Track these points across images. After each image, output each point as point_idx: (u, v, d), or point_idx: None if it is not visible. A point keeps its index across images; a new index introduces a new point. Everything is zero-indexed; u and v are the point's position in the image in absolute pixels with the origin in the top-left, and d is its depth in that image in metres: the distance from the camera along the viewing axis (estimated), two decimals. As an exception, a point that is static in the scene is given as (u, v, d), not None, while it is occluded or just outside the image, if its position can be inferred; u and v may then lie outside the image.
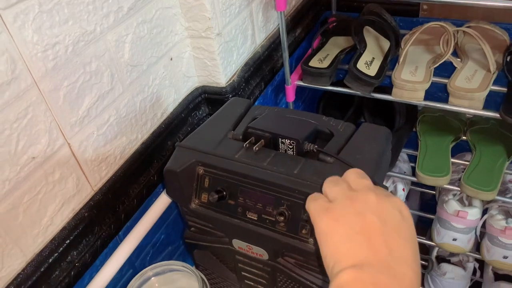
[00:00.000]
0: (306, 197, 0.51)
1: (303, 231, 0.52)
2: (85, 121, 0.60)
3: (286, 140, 0.56)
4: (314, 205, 0.44)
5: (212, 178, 0.58)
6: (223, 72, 0.78)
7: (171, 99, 0.75)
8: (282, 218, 0.52)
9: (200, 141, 0.61)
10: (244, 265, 0.61)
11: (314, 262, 0.55)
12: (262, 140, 0.57)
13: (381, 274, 0.36)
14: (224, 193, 0.56)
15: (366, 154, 0.55)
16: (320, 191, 0.47)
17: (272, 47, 0.93)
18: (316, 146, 0.55)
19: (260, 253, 0.58)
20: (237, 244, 0.59)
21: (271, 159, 0.56)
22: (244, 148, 0.57)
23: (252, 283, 0.63)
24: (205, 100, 0.82)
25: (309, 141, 0.57)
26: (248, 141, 0.58)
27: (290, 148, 0.56)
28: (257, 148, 0.56)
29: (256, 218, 0.55)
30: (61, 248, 0.59)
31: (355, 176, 0.45)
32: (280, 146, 0.57)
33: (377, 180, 0.52)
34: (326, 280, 0.56)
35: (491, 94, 0.82)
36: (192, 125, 0.80)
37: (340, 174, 0.52)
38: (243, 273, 0.62)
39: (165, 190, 0.73)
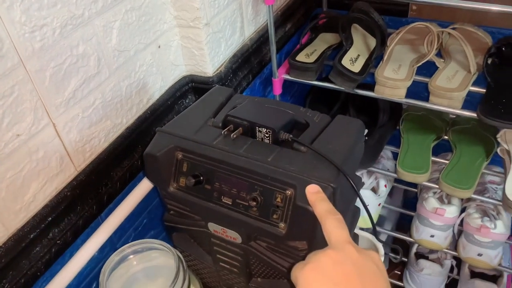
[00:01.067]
0: (278, 183, 0.53)
1: (274, 216, 0.54)
2: (70, 103, 0.61)
3: (263, 129, 0.58)
4: (294, 267, 0.46)
5: (190, 163, 0.59)
6: (210, 62, 0.80)
7: (158, 86, 0.77)
8: (254, 203, 0.54)
9: (181, 127, 0.63)
10: (219, 248, 0.63)
11: (284, 246, 0.57)
12: (240, 128, 0.59)
13: None
14: (201, 177, 0.58)
15: (337, 144, 0.57)
16: (292, 178, 0.50)
17: (261, 40, 0.95)
18: (291, 136, 0.57)
19: (234, 236, 0.60)
20: (213, 227, 0.61)
21: (248, 146, 0.57)
22: (222, 135, 0.59)
23: (227, 266, 0.65)
24: (192, 89, 0.84)
25: (285, 130, 0.58)
26: (227, 128, 0.59)
27: (267, 137, 0.58)
28: (234, 136, 0.58)
29: (230, 203, 0.57)
30: (42, 225, 0.60)
31: (334, 226, 0.47)
32: (257, 134, 0.59)
33: (348, 169, 0.54)
34: (292, 262, 0.58)
35: (472, 95, 0.85)
36: (178, 113, 0.80)
37: (312, 162, 0.54)
38: (218, 255, 0.64)
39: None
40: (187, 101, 0.84)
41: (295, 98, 1.20)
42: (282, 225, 0.54)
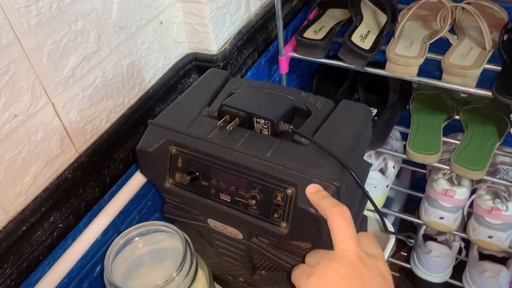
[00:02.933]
0: (278, 182, 0.50)
1: (275, 215, 0.51)
2: (70, 82, 0.59)
3: (261, 120, 0.54)
4: (296, 272, 0.45)
5: (185, 158, 0.56)
6: (214, 39, 0.77)
7: (160, 64, 0.74)
8: (254, 201, 0.51)
9: (173, 119, 0.59)
10: (220, 242, 0.61)
11: (287, 244, 0.54)
12: (237, 119, 0.55)
13: None
14: (197, 174, 0.55)
15: (342, 135, 0.53)
16: (292, 176, 0.48)
17: (267, 16, 0.91)
18: (291, 127, 0.53)
19: (234, 233, 0.57)
20: (212, 223, 0.58)
21: (245, 139, 0.54)
22: (217, 127, 0.56)
23: (230, 259, 0.63)
24: (195, 68, 0.81)
25: (285, 120, 0.55)
26: (222, 120, 0.56)
27: (265, 128, 0.55)
28: (231, 128, 0.54)
29: (229, 200, 0.54)
30: (43, 208, 0.59)
31: (339, 223, 0.45)
32: (255, 125, 0.55)
33: (354, 162, 0.51)
34: (296, 259, 0.56)
35: (486, 73, 0.82)
36: (181, 92, 0.79)
37: (314, 156, 0.51)
38: (220, 249, 0.62)
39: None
40: (190, 80, 0.81)
41: (302, 77, 1.17)
42: (283, 224, 0.51)
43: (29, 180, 0.57)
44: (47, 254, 0.61)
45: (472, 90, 0.79)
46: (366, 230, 0.71)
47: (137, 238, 0.60)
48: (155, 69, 0.74)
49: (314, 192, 0.48)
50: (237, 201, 0.53)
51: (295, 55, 0.93)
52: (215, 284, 0.76)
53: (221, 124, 0.55)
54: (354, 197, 0.59)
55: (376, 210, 0.54)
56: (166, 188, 0.59)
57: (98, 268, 0.72)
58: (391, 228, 0.63)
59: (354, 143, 0.53)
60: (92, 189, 0.65)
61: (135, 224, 0.77)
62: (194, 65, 0.81)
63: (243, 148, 0.53)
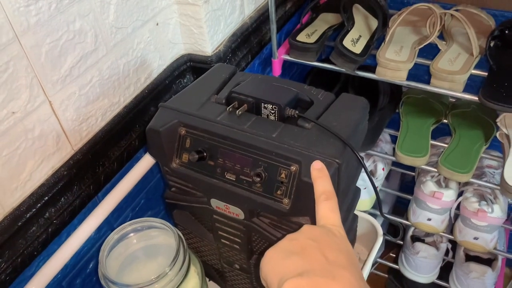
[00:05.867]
0: (283, 159, 0.53)
1: (278, 192, 0.54)
2: (67, 80, 0.60)
3: (269, 105, 0.57)
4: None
5: (193, 139, 0.59)
6: (209, 41, 0.78)
7: (156, 64, 0.76)
8: (258, 179, 0.54)
9: (184, 103, 0.62)
10: (220, 224, 0.63)
11: (287, 223, 0.56)
12: (245, 105, 0.58)
13: (320, 278, 0.39)
14: (205, 153, 0.58)
15: (342, 121, 0.56)
16: (296, 154, 0.50)
17: (261, 19, 0.93)
18: (297, 112, 0.56)
19: (236, 212, 0.59)
20: (215, 203, 0.61)
21: (252, 122, 0.57)
22: (226, 111, 0.59)
23: (228, 242, 0.65)
24: (190, 68, 0.82)
25: (290, 107, 0.58)
26: (231, 105, 0.59)
27: (272, 113, 0.58)
28: (240, 112, 0.57)
29: (234, 179, 0.57)
30: (39, 204, 0.60)
31: (327, 208, 0.48)
32: (262, 111, 0.58)
33: (354, 144, 0.54)
34: None
35: (473, 78, 0.84)
36: (176, 93, 0.80)
37: (317, 138, 0.54)
38: (219, 232, 0.64)
39: (147, 152, 0.74)
40: (185, 80, 0.83)
41: (294, 79, 1.19)
42: (286, 200, 0.54)
43: (26, 176, 0.58)
44: (42, 250, 0.61)
45: (459, 94, 0.82)
46: (356, 229, 0.73)
47: (131, 234, 0.62)
48: (150, 69, 0.75)
49: (318, 169, 0.50)
50: (242, 179, 0.56)
51: (288, 57, 0.95)
52: (207, 280, 0.78)
53: (230, 109, 0.58)
54: (351, 183, 0.61)
55: (374, 188, 0.57)
56: (172, 168, 0.61)
57: (91, 265, 0.72)
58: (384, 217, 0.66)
59: (354, 129, 0.56)
60: (87, 186, 0.66)
61: (128, 221, 0.79)
62: (189, 66, 0.82)
63: (250, 129, 0.56)
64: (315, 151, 0.52)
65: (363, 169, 0.56)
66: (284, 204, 0.54)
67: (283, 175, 0.53)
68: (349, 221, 0.67)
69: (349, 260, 0.42)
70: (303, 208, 0.53)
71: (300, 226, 0.55)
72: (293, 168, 0.53)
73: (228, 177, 0.57)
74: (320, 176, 0.50)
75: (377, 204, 1.23)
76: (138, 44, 0.70)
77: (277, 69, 0.97)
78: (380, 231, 0.76)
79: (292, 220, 0.55)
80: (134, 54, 0.70)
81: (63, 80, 0.59)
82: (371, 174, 1.11)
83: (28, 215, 0.59)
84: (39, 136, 0.58)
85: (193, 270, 0.62)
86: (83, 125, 0.65)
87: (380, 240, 0.75)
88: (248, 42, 0.91)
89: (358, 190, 0.67)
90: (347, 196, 0.61)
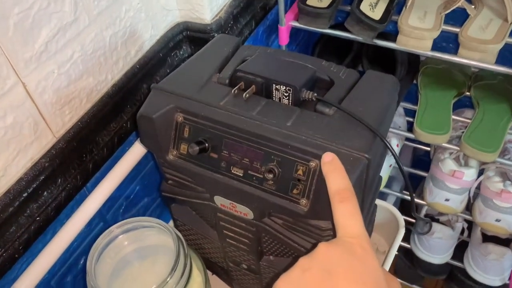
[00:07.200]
0: (300, 153, 0.45)
1: (294, 191, 0.46)
2: (43, 57, 0.51)
3: (281, 86, 0.49)
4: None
5: (192, 127, 0.51)
6: (208, 6, 0.69)
7: (148, 35, 0.66)
8: (271, 175, 0.46)
9: (180, 84, 0.53)
10: (226, 223, 0.56)
11: (303, 225, 0.49)
12: (253, 86, 0.50)
13: None
14: (206, 145, 0.50)
15: (370, 105, 0.48)
16: (316, 146, 0.43)
17: (265, -19, 0.83)
18: (315, 95, 0.48)
19: (244, 212, 0.52)
20: (220, 201, 0.53)
21: (262, 108, 0.48)
22: (231, 94, 0.50)
23: (235, 242, 0.58)
24: (187, 39, 0.73)
25: (307, 88, 0.49)
26: (237, 86, 0.50)
27: (286, 96, 0.49)
28: (247, 95, 0.49)
29: (241, 175, 0.49)
30: (17, 202, 0.53)
31: (343, 214, 0.40)
32: (273, 93, 0.50)
33: (384, 134, 0.46)
34: (312, 242, 0.51)
35: (506, 47, 0.75)
36: (172, 67, 0.71)
37: (341, 126, 0.46)
38: (225, 231, 0.57)
39: (139, 138, 0.66)
40: (181, 52, 0.74)
41: (301, 49, 1.09)
42: (303, 201, 0.46)
43: (-1, 171, 0.50)
44: (24, 251, 0.55)
45: (492, 66, 0.73)
46: (374, 220, 0.66)
47: (121, 236, 0.54)
48: (141, 40, 0.66)
49: (327, 162, 0.43)
50: (251, 176, 0.48)
51: (297, 24, 0.85)
52: (209, 274, 0.71)
53: (236, 91, 0.50)
54: (376, 176, 0.54)
55: (406, 181, 0.51)
56: (169, 160, 0.53)
57: (82, 260, 0.67)
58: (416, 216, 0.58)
59: (382, 115, 0.48)
60: (73, 177, 0.59)
61: (122, 211, 0.72)
62: (185, 35, 0.73)
63: (261, 116, 0.47)
64: (340, 144, 0.44)
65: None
66: (301, 206, 0.46)
67: (300, 172, 0.45)
68: (369, 213, 0.60)
69: None
70: (324, 211, 0.45)
71: (319, 229, 0.48)
72: (312, 164, 0.44)
73: (235, 173, 0.49)
74: (331, 170, 0.42)
75: (387, 182, 1.17)
76: (127, 12, 0.61)
77: (284, 38, 0.87)
78: (402, 222, 0.69)
79: (311, 223, 0.48)
80: (122, 23, 0.61)
81: (38, 57, 0.51)
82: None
83: (5, 215, 0.52)
84: (12, 124, 0.50)
85: (195, 273, 0.55)
86: (65, 109, 0.56)
87: (402, 232, 0.68)
88: (252, 7, 0.81)
89: (380, 179, 0.60)
90: (371, 191, 0.53)
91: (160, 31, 0.69)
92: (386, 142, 0.45)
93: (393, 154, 0.46)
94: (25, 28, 0.48)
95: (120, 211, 0.71)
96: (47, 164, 0.55)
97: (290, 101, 0.49)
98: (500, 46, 0.72)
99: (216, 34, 0.71)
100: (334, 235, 0.46)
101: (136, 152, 0.66)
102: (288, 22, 0.85)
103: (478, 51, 0.72)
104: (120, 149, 0.65)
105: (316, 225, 0.48)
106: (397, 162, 0.47)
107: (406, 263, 1.30)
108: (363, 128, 0.45)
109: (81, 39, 0.55)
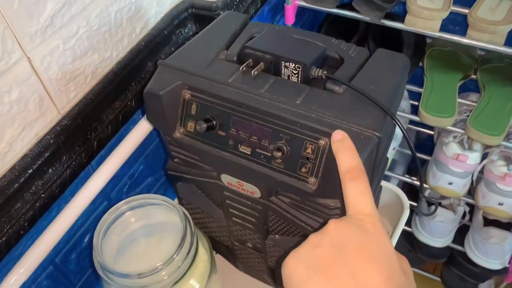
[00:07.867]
0: (309, 131, 0.45)
1: (303, 169, 0.46)
2: (48, 32, 0.50)
3: (291, 63, 0.48)
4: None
5: (200, 104, 0.50)
6: (214, -16, 0.68)
7: (153, 12, 0.65)
8: (279, 153, 0.46)
9: (188, 60, 0.52)
10: (232, 201, 0.55)
11: (311, 203, 0.49)
12: (262, 63, 0.49)
13: None
14: (214, 122, 0.49)
15: (381, 83, 0.47)
16: (326, 124, 0.43)
17: (272, -42, 0.81)
18: (325, 72, 0.47)
19: (251, 190, 0.52)
20: (226, 179, 0.53)
21: (271, 85, 0.48)
22: (239, 71, 0.49)
23: (241, 221, 0.57)
24: (192, 16, 0.72)
25: (316, 66, 0.49)
26: (245, 63, 0.49)
27: (295, 74, 0.48)
28: (255, 73, 0.48)
29: (249, 153, 0.48)
30: (22, 178, 0.52)
31: (355, 192, 0.40)
32: (282, 70, 0.49)
33: (392, 112, 0.45)
34: (320, 221, 0.51)
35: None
36: (177, 45, 0.70)
37: (351, 105, 0.45)
38: (231, 210, 0.57)
39: (145, 115, 0.65)
40: (186, 30, 0.72)
41: (306, 28, 1.08)
42: (312, 180, 0.45)
43: (4, 147, 0.50)
44: (29, 227, 0.55)
45: (501, 48, 0.72)
46: (379, 202, 0.65)
47: (128, 212, 0.54)
48: (146, 17, 0.64)
49: (337, 140, 0.42)
50: (259, 154, 0.48)
51: (304, 3, 0.84)
52: (214, 253, 0.71)
53: (244, 68, 0.49)
54: (384, 155, 0.54)
55: (418, 166, 0.50)
56: (175, 138, 0.53)
57: (87, 238, 0.66)
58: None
59: (393, 94, 0.47)
60: (78, 155, 0.59)
61: (126, 190, 0.72)
62: (191, 13, 0.72)
63: (269, 94, 0.47)
64: (350, 122, 0.43)
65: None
66: (310, 184, 0.46)
67: (309, 150, 0.45)
68: (375, 194, 0.59)
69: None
70: (333, 189, 0.44)
71: (327, 208, 0.48)
72: (321, 142, 0.44)
73: (243, 150, 0.48)
74: (342, 148, 0.42)
75: (391, 166, 1.16)
76: (132, -13, 0.60)
77: (290, 17, 0.86)
78: (407, 203, 0.69)
79: (319, 202, 0.47)
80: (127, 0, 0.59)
81: (43, 31, 0.50)
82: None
83: (11, 191, 0.51)
84: (17, 99, 0.50)
85: (201, 252, 0.55)
86: (70, 85, 0.56)
87: (406, 213, 0.68)
88: (258, -15, 0.79)
89: (386, 160, 0.59)
90: (379, 171, 0.53)
91: (165, 8, 0.68)
92: (397, 120, 0.44)
93: (403, 132, 0.46)
94: (30, 1, 0.47)
95: (124, 190, 0.71)
96: (52, 141, 0.54)
97: (299, 79, 0.49)
98: (510, 27, 0.71)
99: (221, 12, 0.70)
100: (342, 214, 0.46)
101: (140, 130, 0.66)
102: (294, 1, 0.84)
103: (487, 32, 0.71)
104: (125, 127, 0.65)
105: (324, 204, 0.47)
106: (406, 139, 0.46)
107: (407, 246, 1.31)
108: (374, 107, 0.45)
109: (86, 14, 0.54)
